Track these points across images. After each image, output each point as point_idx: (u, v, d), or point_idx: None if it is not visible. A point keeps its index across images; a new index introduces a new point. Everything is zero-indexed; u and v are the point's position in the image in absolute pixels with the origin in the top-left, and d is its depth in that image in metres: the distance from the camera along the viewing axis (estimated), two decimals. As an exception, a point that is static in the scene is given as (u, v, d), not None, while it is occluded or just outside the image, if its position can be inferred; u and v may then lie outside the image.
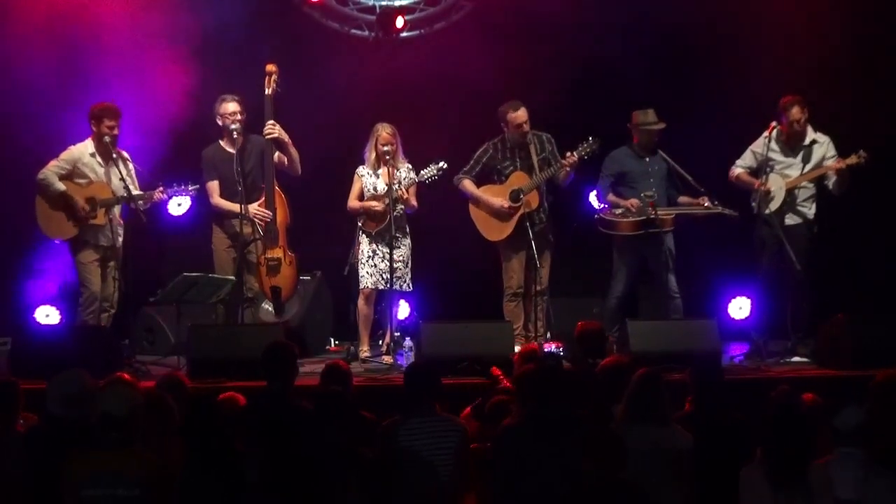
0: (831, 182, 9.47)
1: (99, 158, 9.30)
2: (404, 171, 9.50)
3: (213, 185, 9.51)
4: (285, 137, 9.44)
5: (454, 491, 6.09)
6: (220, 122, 9.47)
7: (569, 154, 9.46)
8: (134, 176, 9.39)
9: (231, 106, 9.39)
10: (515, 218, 9.56)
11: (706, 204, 9.54)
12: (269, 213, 9.39)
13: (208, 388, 7.45)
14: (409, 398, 6.25)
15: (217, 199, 9.50)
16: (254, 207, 9.36)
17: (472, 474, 6.21)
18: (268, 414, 6.24)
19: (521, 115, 9.58)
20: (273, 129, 9.40)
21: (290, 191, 9.63)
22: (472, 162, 9.79)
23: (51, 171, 9.21)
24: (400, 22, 10.85)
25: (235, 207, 9.31)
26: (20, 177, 9.60)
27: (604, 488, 5.36)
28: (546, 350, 8.84)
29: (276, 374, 6.56)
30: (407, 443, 6.05)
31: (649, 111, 9.78)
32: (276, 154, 9.48)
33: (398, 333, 9.56)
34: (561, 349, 9.03)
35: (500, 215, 9.63)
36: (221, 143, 9.53)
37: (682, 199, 9.72)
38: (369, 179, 9.55)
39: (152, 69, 10.17)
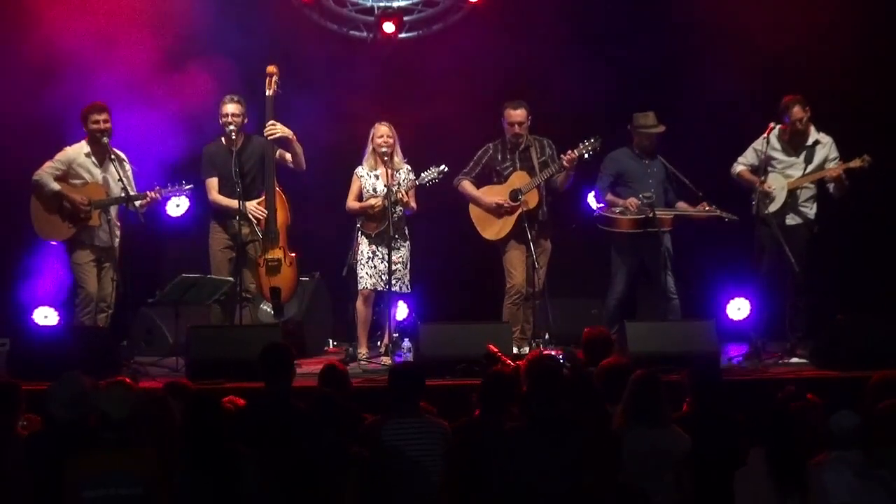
0: (831, 186, 9.47)
1: (94, 159, 9.30)
2: (404, 173, 9.50)
3: (212, 182, 9.49)
4: (289, 134, 9.43)
5: (441, 492, 6.09)
6: (221, 121, 9.46)
7: (569, 151, 9.44)
8: (130, 177, 9.39)
9: (229, 107, 9.38)
10: (514, 217, 9.55)
11: (706, 208, 9.54)
12: (264, 211, 9.37)
13: (207, 390, 7.43)
14: (394, 398, 6.26)
15: (215, 196, 9.48)
16: (252, 205, 9.35)
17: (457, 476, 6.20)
18: (267, 415, 6.24)
19: (517, 114, 9.57)
20: (274, 129, 9.39)
21: (290, 192, 9.62)
22: (471, 163, 9.79)
23: (46, 172, 9.21)
24: (389, 27, 10.86)
25: (234, 203, 9.28)
26: (16, 178, 9.59)
27: (602, 490, 5.37)
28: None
29: (274, 375, 6.56)
30: (391, 443, 6.07)
31: (649, 114, 9.79)
32: (279, 152, 9.48)
33: (397, 335, 9.57)
34: (560, 356, 9.00)
35: (499, 214, 9.62)
36: (223, 140, 9.52)
37: (680, 204, 9.72)
38: (368, 180, 9.54)
39: (152, 70, 10.18)
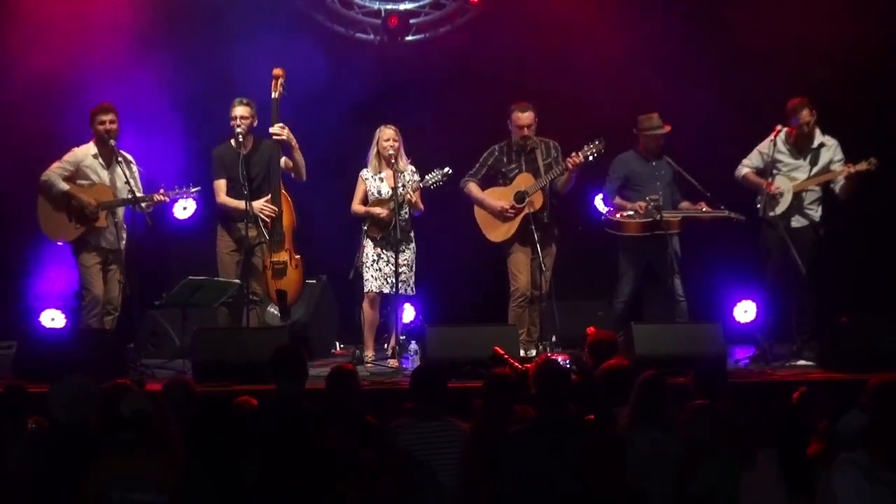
0: (838, 186, 9.46)
1: (101, 160, 9.31)
2: (408, 174, 9.50)
3: (221, 184, 9.48)
4: (293, 141, 9.43)
5: (460, 495, 6.09)
6: (230, 124, 9.46)
7: (573, 154, 9.43)
8: (137, 178, 9.40)
9: (238, 109, 9.37)
10: (519, 219, 9.54)
11: (704, 208, 9.54)
12: (274, 208, 9.35)
13: (214, 392, 7.44)
14: (416, 401, 6.25)
15: (223, 198, 9.46)
16: (259, 203, 9.33)
17: (477, 477, 6.20)
18: (276, 417, 6.24)
19: (524, 117, 9.57)
20: (282, 132, 9.37)
21: (296, 194, 9.63)
22: (477, 165, 9.79)
23: (54, 173, 9.23)
24: (392, 22, 10.90)
25: (241, 204, 9.28)
26: (24, 179, 9.61)
27: (606, 492, 5.37)
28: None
29: (285, 377, 6.54)
30: (412, 446, 6.06)
31: (653, 116, 9.78)
32: (283, 159, 9.49)
33: (403, 337, 9.57)
34: (568, 361, 8.99)
35: (504, 217, 9.62)
36: (232, 142, 9.52)
37: (684, 204, 9.72)
38: (373, 183, 9.55)
39: (155, 72, 10.20)
